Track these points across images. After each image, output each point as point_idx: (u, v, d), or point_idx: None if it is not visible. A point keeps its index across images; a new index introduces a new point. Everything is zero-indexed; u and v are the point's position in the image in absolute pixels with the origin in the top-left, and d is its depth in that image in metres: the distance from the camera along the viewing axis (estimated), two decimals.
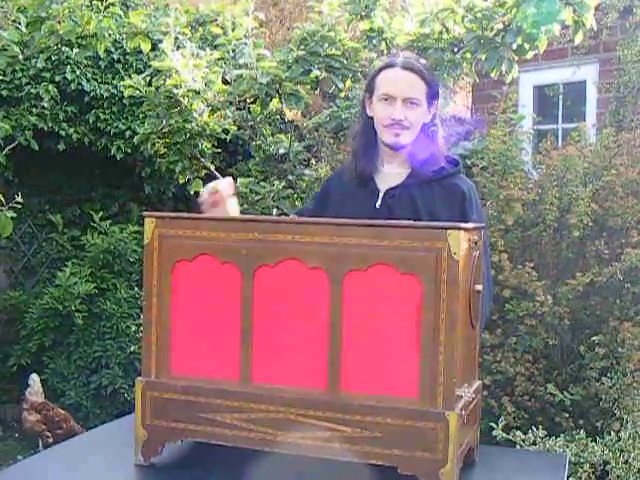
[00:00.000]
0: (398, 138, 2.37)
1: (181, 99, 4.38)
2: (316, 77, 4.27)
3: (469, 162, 4.30)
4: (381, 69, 2.41)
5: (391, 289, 1.79)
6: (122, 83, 4.97)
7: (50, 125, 5.87)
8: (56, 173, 6.59)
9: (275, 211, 4.39)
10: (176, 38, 4.47)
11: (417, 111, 2.36)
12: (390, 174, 2.43)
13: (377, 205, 2.39)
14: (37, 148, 5.76)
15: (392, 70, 2.37)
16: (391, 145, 2.40)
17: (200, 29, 4.81)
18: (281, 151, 4.80)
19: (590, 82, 6.40)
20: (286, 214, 4.33)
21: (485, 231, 2.42)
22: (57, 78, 5.82)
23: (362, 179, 2.44)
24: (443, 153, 2.44)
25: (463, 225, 1.79)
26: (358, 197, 2.42)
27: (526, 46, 3.89)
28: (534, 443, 3.46)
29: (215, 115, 4.65)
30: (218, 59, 4.55)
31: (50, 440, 5.03)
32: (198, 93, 4.38)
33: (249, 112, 4.73)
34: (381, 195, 2.40)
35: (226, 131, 4.75)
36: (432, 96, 2.39)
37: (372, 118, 2.44)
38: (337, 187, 2.53)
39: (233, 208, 2.44)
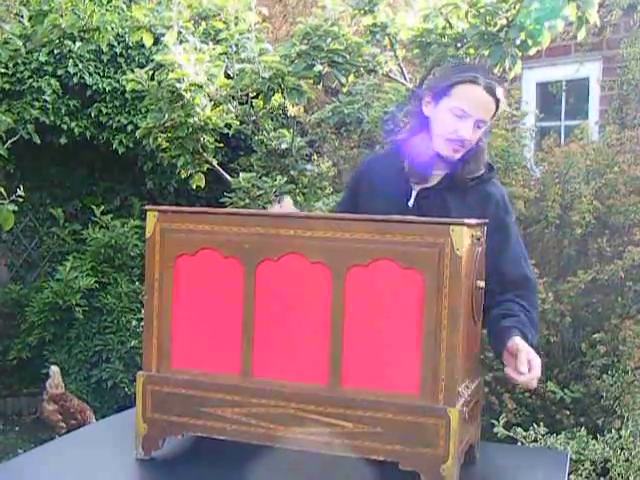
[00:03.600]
0: (455, 154, 2.32)
1: (183, 93, 4.37)
2: (319, 72, 4.26)
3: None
4: (463, 81, 2.29)
5: (393, 284, 1.78)
6: (124, 77, 4.97)
7: (52, 119, 5.86)
8: (58, 167, 6.59)
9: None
10: (179, 32, 4.46)
11: (480, 132, 2.33)
12: None
13: (409, 204, 2.35)
14: (39, 142, 5.74)
15: (476, 88, 2.28)
16: (445, 157, 2.34)
17: (203, 23, 4.79)
18: (283, 146, 4.79)
19: (593, 79, 6.38)
20: None
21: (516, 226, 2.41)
22: (59, 72, 5.81)
23: (404, 178, 2.37)
24: (484, 160, 2.39)
25: (466, 221, 1.78)
26: (390, 193, 2.36)
27: (529, 42, 3.88)
28: (535, 440, 3.46)
29: (217, 109, 4.64)
30: (221, 54, 4.54)
31: (64, 430, 5.04)
32: (201, 87, 4.37)
33: (251, 107, 4.72)
34: (414, 194, 2.36)
35: (228, 125, 4.75)
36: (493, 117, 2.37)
37: (428, 117, 2.37)
38: (369, 179, 2.46)
39: None
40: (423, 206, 2.33)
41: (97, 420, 5.01)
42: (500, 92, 2.31)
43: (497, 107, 2.33)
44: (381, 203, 2.28)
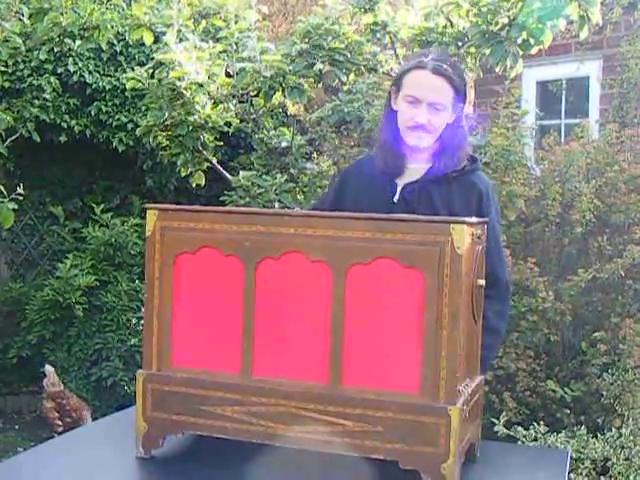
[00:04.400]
0: (419, 141, 2.35)
1: (184, 91, 4.36)
2: (319, 70, 4.26)
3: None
4: (411, 68, 2.36)
5: (394, 283, 1.78)
6: (124, 75, 4.96)
7: (52, 117, 5.86)
8: (58, 165, 6.59)
9: (277, 204, 4.38)
10: (179, 30, 4.46)
11: (441, 116, 2.34)
12: (409, 169, 2.41)
13: (395, 199, 2.38)
14: (39, 140, 5.76)
15: (422, 72, 2.33)
16: (412, 146, 2.38)
17: (203, 22, 4.79)
18: (283, 144, 4.79)
19: (593, 78, 6.38)
20: (288, 207, 4.32)
21: (498, 226, 2.42)
22: (59, 70, 5.81)
23: (387, 173, 2.42)
24: (466, 152, 2.41)
25: (467, 219, 1.78)
26: (376, 191, 2.40)
27: (531, 41, 3.87)
28: (535, 439, 3.45)
29: (218, 108, 4.64)
30: (221, 52, 4.54)
31: (60, 428, 5.05)
32: (201, 86, 4.36)
33: (252, 105, 4.72)
34: (399, 189, 2.39)
35: (228, 124, 4.74)
36: (458, 100, 2.37)
37: (396, 111, 2.42)
38: (355, 179, 2.51)
39: None
40: (408, 200, 2.36)
41: (94, 419, 5.01)
42: (450, 69, 2.33)
43: (455, 87, 2.34)
44: (366, 202, 2.31)
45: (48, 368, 5.24)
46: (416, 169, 2.40)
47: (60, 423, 5.12)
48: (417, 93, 2.32)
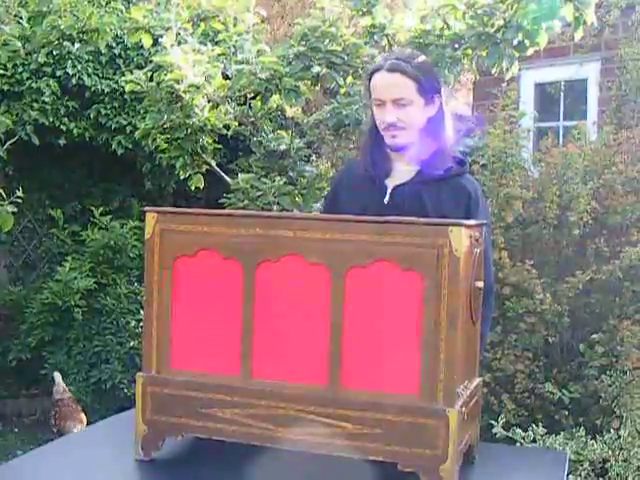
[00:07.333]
0: (396, 140, 2.40)
1: (182, 94, 4.37)
2: (317, 73, 4.26)
3: (469, 159, 4.30)
4: (371, 73, 2.44)
5: (392, 285, 1.79)
6: (123, 78, 4.96)
7: (51, 120, 5.86)
8: (57, 168, 6.58)
9: (276, 207, 4.38)
10: (177, 33, 4.46)
11: (409, 110, 2.37)
12: (399, 171, 2.45)
13: (385, 201, 2.41)
14: (38, 143, 5.76)
15: (379, 74, 2.40)
16: (391, 147, 2.43)
17: (202, 24, 4.80)
18: (282, 147, 4.79)
19: (592, 80, 6.39)
20: (287, 210, 4.33)
21: (489, 230, 2.44)
22: (58, 73, 5.81)
23: (371, 176, 2.45)
24: (450, 151, 2.44)
25: (465, 222, 1.78)
26: (366, 193, 2.43)
27: (527, 43, 3.89)
28: (534, 440, 3.46)
29: (216, 110, 4.64)
30: (219, 55, 4.55)
31: (54, 436, 5.08)
32: (198, 88, 4.37)
33: (250, 108, 4.73)
34: (389, 191, 2.42)
35: (227, 127, 4.75)
36: (426, 91, 2.39)
37: None
38: (347, 183, 2.55)
39: None
40: (398, 202, 2.39)
41: (91, 423, 5.03)
42: (409, 63, 2.37)
43: (413, 77, 2.36)
44: (358, 205, 2.34)
45: (55, 375, 5.26)
46: (405, 171, 2.44)
47: (54, 431, 5.16)
48: (379, 95, 2.40)
